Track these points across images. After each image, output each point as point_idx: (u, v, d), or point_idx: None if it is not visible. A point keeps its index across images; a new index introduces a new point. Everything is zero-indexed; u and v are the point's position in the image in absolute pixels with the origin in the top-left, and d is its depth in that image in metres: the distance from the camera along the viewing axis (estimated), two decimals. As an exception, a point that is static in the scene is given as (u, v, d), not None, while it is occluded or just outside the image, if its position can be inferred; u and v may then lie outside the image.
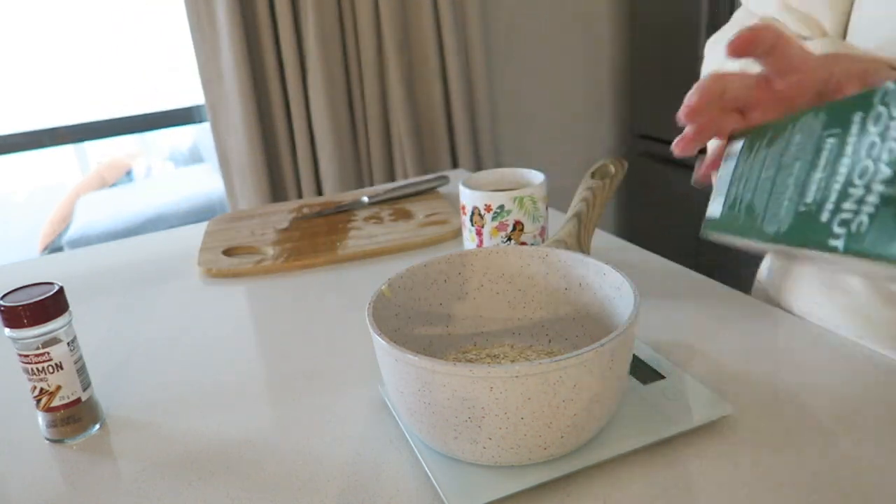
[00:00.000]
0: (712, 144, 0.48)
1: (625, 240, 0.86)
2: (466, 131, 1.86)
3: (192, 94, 1.80)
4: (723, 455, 0.46)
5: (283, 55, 1.68)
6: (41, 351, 0.52)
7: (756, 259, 0.80)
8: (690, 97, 0.43)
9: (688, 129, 0.44)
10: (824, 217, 0.32)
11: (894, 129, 0.29)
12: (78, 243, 2.57)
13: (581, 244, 0.68)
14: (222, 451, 0.52)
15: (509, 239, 0.72)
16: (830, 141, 0.33)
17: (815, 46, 0.51)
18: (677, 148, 0.45)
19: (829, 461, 0.44)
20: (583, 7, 2.07)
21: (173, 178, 3.41)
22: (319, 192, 1.81)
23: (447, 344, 0.58)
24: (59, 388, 0.53)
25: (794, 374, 0.54)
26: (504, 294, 0.58)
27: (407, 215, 0.99)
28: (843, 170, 0.32)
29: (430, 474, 0.45)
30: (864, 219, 0.30)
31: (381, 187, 1.13)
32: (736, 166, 0.43)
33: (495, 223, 0.71)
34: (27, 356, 0.52)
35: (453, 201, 1.05)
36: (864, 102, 0.31)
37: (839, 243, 0.31)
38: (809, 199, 0.34)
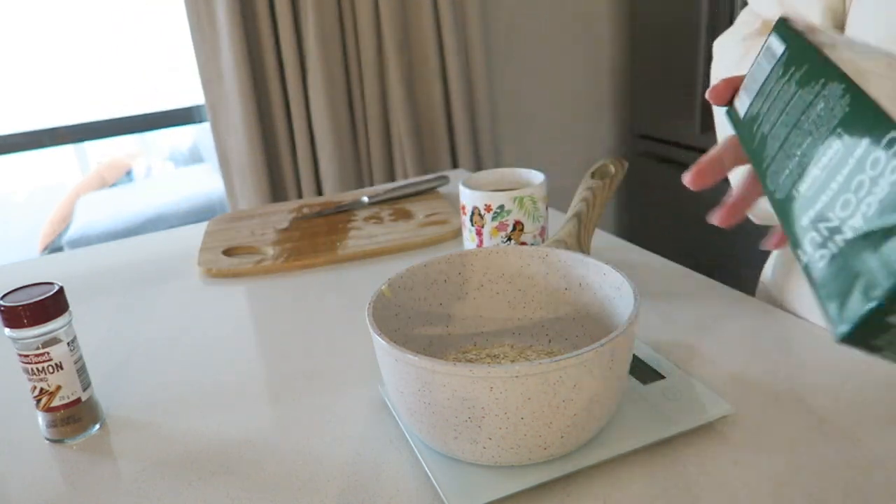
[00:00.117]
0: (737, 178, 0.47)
1: (625, 240, 0.86)
2: (466, 131, 1.86)
3: (192, 94, 1.80)
4: (723, 455, 0.46)
5: (283, 55, 1.68)
6: (41, 351, 0.52)
7: (757, 259, 0.80)
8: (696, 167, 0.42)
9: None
10: (805, 221, 0.30)
11: (885, 181, 0.25)
12: (78, 243, 2.57)
13: (581, 244, 0.68)
14: (222, 451, 0.52)
15: (509, 239, 0.72)
16: (839, 142, 0.30)
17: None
18: (691, 181, 0.44)
19: (829, 461, 0.44)
20: (583, 7, 2.07)
21: (173, 178, 3.41)
22: (319, 192, 1.81)
23: (447, 344, 0.58)
24: (59, 388, 0.53)
25: (794, 374, 0.54)
26: (504, 294, 0.58)
27: (407, 215, 0.99)
28: (834, 185, 0.29)
29: (430, 474, 0.45)
30: (824, 256, 0.28)
31: (381, 187, 1.13)
32: (768, 78, 0.39)
33: (495, 223, 0.71)
34: (27, 356, 0.52)
35: (453, 201, 1.05)
36: (880, 127, 0.27)
37: (803, 259, 0.29)
38: (803, 188, 0.31)
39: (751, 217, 0.63)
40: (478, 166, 1.92)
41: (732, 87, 0.44)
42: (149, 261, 0.95)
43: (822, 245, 0.28)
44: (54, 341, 0.52)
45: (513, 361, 0.56)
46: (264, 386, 0.61)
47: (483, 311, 0.59)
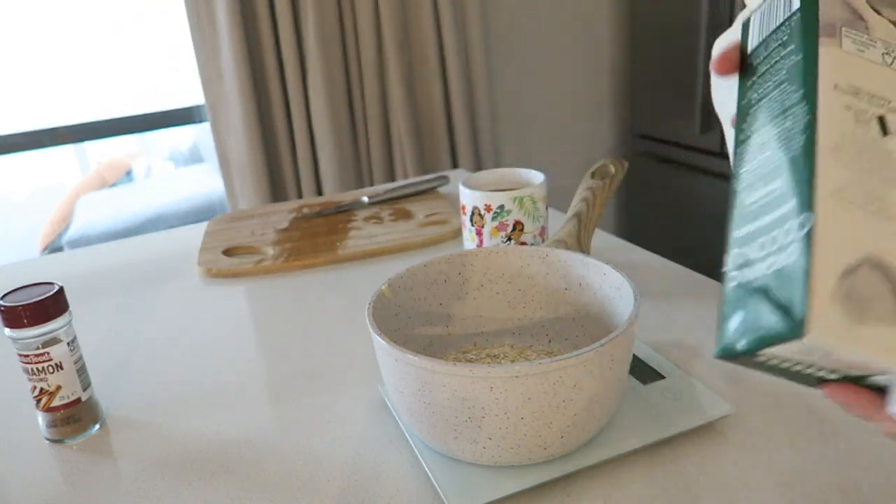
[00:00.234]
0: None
1: (625, 240, 0.86)
2: (466, 131, 1.86)
3: (192, 94, 1.80)
4: (723, 455, 0.46)
5: (283, 55, 1.68)
6: (41, 351, 0.52)
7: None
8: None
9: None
10: (737, 234, 0.31)
11: (786, 254, 0.27)
12: (78, 243, 2.57)
13: (581, 244, 0.68)
14: (222, 451, 0.52)
15: (509, 239, 0.72)
16: (780, 181, 0.29)
17: None
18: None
19: (829, 461, 0.44)
20: (583, 7, 2.07)
21: (173, 178, 3.41)
22: (319, 192, 1.81)
23: (447, 344, 0.58)
24: (59, 388, 0.53)
25: (794, 374, 0.54)
26: (504, 294, 0.58)
27: (407, 215, 0.99)
28: (763, 222, 0.29)
29: (430, 474, 0.45)
30: (735, 278, 0.29)
31: (381, 187, 1.13)
32: (776, 30, 0.35)
33: (495, 223, 0.71)
34: (27, 356, 0.52)
35: (453, 201, 1.05)
36: (802, 201, 0.27)
37: (725, 268, 0.30)
38: (748, 200, 0.31)
39: None
40: (478, 166, 1.92)
41: (732, 57, 0.41)
42: (149, 261, 0.95)
43: (736, 268, 0.29)
44: (54, 341, 0.52)
45: (513, 361, 0.56)
46: (264, 386, 0.61)
47: (483, 311, 0.59)
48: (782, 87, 0.33)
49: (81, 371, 0.55)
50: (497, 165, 2.02)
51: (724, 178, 1.63)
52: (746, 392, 0.52)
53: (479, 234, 0.73)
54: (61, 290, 0.53)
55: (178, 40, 1.83)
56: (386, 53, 1.73)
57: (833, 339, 0.25)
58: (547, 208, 0.74)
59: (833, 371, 0.28)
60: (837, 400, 0.29)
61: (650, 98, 1.98)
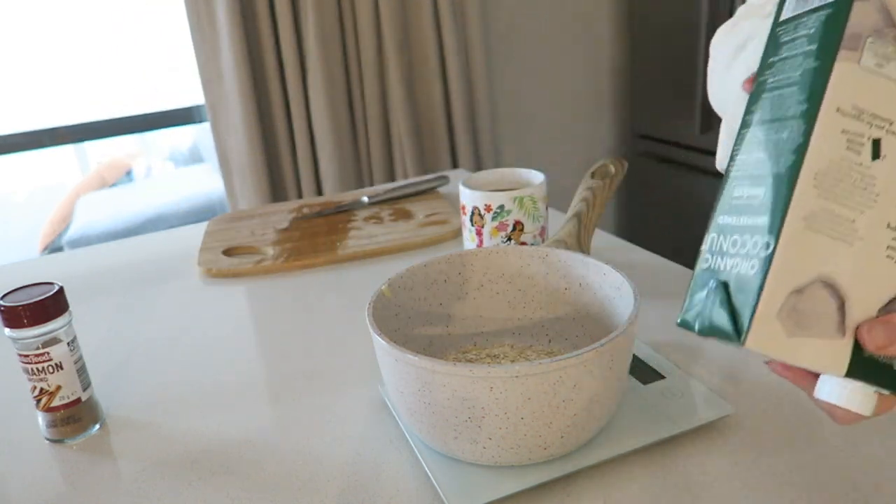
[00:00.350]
0: None
1: (625, 240, 0.86)
2: (466, 131, 1.86)
3: (192, 94, 1.80)
4: (723, 455, 0.46)
5: (283, 55, 1.68)
6: (41, 351, 0.52)
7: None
8: None
9: None
10: (720, 219, 0.33)
11: (747, 265, 0.30)
12: (78, 243, 2.57)
13: (581, 244, 0.68)
14: (222, 451, 0.52)
15: (509, 239, 0.72)
16: (763, 188, 0.31)
17: None
18: None
19: (829, 461, 0.44)
20: (583, 7, 2.07)
21: (173, 178, 3.41)
22: (319, 192, 1.81)
23: (447, 344, 0.58)
24: (59, 388, 0.53)
25: (794, 374, 0.54)
26: (504, 294, 0.58)
27: (407, 215, 0.99)
28: (741, 220, 0.32)
29: (430, 474, 0.45)
30: (707, 261, 0.33)
31: (381, 187, 1.13)
32: (800, 17, 0.34)
33: (495, 223, 0.71)
34: (27, 356, 0.52)
35: (453, 201, 1.05)
36: (773, 221, 0.30)
37: (702, 246, 0.33)
38: (736, 192, 0.33)
39: None
40: (478, 166, 1.92)
41: None
42: (149, 261, 0.95)
43: (710, 252, 0.33)
44: (54, 341, 0.52)
45: (513, 361, 0.56)
46: (264, 386, 0.61)
47: (483, 311, 0.59)
48: (792, 89, 0.33)
49: (81, 371, 0.55)
50: (497, 165, 2.02)
51: (724, 178, 1.63)
52: (746, 392, 0.52)
53: (479, 234, 0.73)
54: (61, 290, 0.53)
55: (178, 40, 1.82)
56: (386, 53, 1.73)
57: (769, 349, 0.30)
58: (547, 208, 0.74)
59: None
60: (777, 372, 0.34)
61: (650, 98, 1.98)
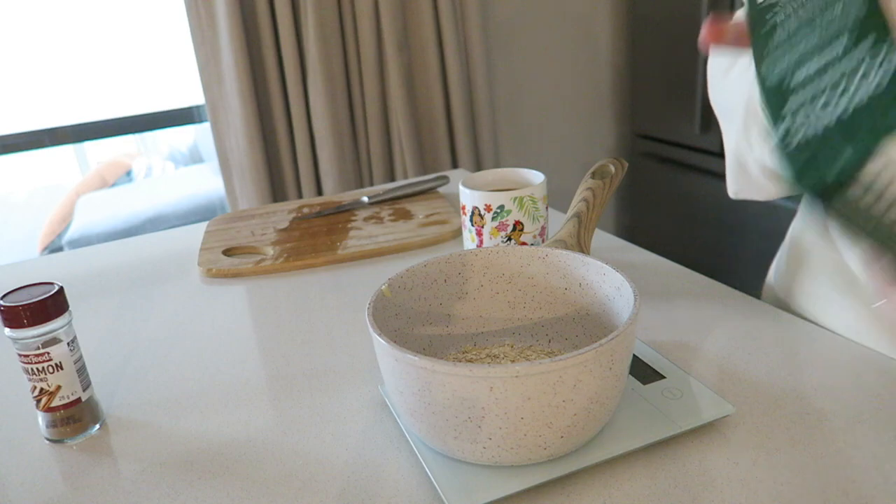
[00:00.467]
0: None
1: (625, 240, 0.86)
2: (466, 131, 1.86)
3: (192, 94, 1.80)
4: (723, 455, 0.46)
5: (283, 55, 1.68)
6: (41, 351, 0.52)
7: (757, 259, 0.80)
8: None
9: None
10: (790, 107, 0.35)
11: (846, 97, 0.32)
12: (78, 243, 2.57)
13: (581, 244, 0.68)
14: (222, 451, 0.52)
15: (509, 239, 0.72)
16: (838, 47, 0.34)
17: None
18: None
19: (829, 461, 0.44)
20: (582, 7, 2.07)
21: (173, 178, 3.41)
22: (319, 192, 1.81)
23: (447, 344, 0.58)
24: (59, 388, 0.53)
25: (794, 374, 0.54)
26: (504, 294, 0.58)
27: (407, 215, 0.99)
28: (823, 84, 0.34)
29: (430, 474, 0.45)
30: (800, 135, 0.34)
31: (381, 187, 1.13)
32: None
33: (495, 223, 0.71)
34: (27, 356, 0.52)
35: (453, 201, 1.05)
36: (882, 37, 0.32)
37: (776, 134, 0.35)
38: (801, 77, 0.35)
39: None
40: (478, 166, 1.92)
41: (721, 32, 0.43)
42: (149, 261, 0.95)
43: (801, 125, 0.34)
44: (54, 341, 0.52)
45: (513, 361, 0.56)
46: (264, 386, 0.61)
47: (483, 311, 0.59)
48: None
49: (81, 371, 0.55)
50: (497, 165, 2.02)
51: (724, 178, 1.63)
52: (746, 392, 0.52)
53: (479, 234, 0.73)
54: (61, 290, 0.53)
55: (178, 41, 1.82)
56: (386, 53, 1.73)
57: None
58: (547, 208, 0.74)
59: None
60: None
61: (650, 98, 1.98)
